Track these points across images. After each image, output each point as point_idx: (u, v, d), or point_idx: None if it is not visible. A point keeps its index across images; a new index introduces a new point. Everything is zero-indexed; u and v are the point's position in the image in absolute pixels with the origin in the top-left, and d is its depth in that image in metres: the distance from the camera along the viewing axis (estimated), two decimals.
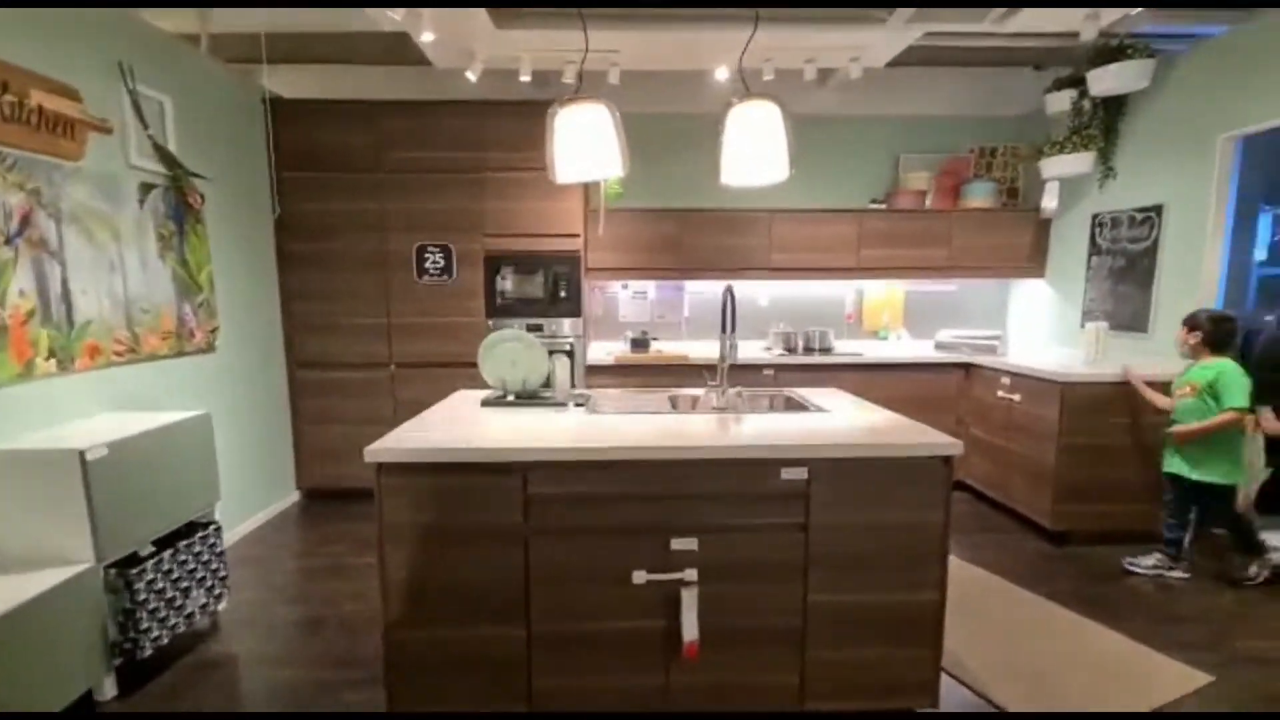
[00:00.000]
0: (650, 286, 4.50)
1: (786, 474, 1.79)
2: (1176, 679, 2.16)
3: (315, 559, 3.22)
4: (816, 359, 4.11)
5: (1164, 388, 3.00)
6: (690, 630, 1.80)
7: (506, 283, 3.93)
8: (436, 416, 2.15)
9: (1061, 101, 3.85)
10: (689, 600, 1.80)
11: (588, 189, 4.01)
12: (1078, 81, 3.69)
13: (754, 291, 4.59)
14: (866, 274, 4.35)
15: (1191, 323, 2.87)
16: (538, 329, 3.97)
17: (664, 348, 4.29)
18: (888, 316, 4.67)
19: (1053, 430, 3.27)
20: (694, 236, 4.21)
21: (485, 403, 2.35)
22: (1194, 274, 3.26)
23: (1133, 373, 3.11)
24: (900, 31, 3.16)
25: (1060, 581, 2.91)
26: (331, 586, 2.90)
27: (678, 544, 1.80)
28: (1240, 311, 3.39)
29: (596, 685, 1.86)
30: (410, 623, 1.80)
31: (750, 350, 4.31)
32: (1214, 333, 2.81)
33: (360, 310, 3.90)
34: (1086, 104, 3.74)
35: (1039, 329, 4.38)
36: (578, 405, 2.33)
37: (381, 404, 3.95)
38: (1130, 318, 3.59)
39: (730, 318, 2.33)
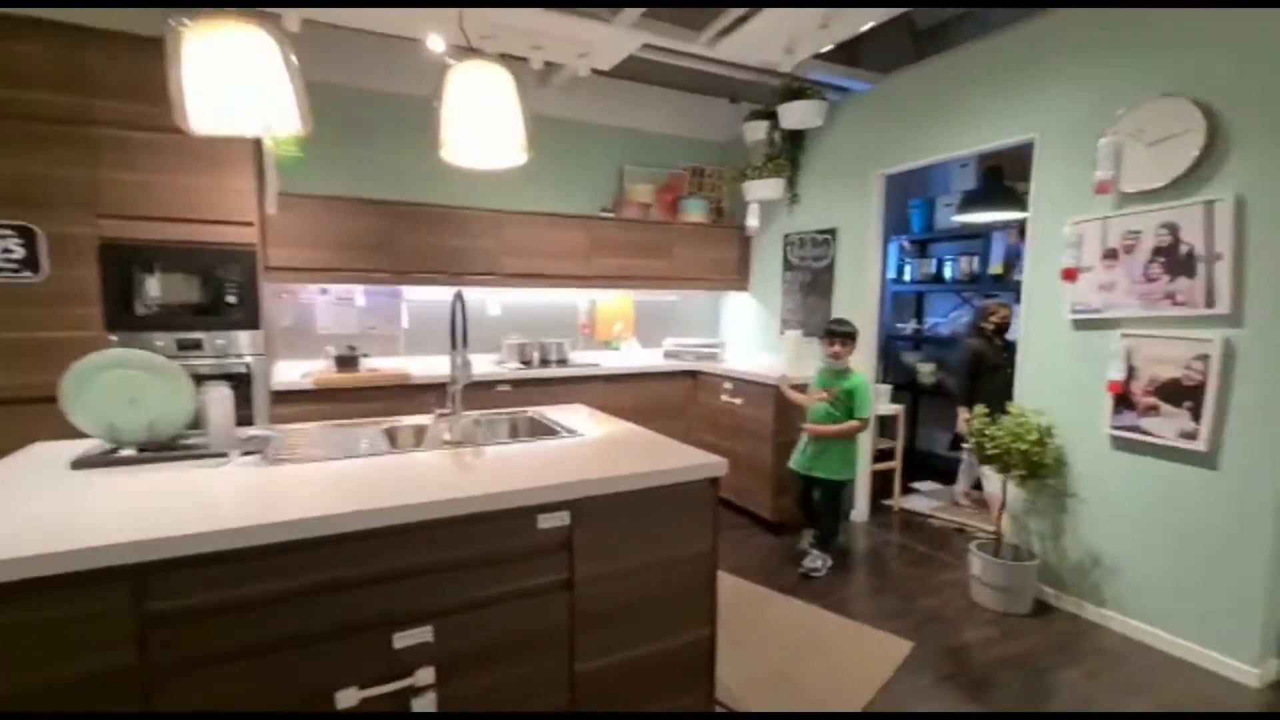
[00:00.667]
0: (358, 292, 3.75)
1: (545, 521, 1.45)
2: (891, 651, 2.40)
3: None
4: (554, 372, 3.87)
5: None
6: None
7: (148, 284, 2.85)
8: None
9: (757, 131, 4.26)
10: (426, 709, 1.33)
11: (261, 163, 3.13)
12: (770, 115, 4.13)
13: (484, 299, 4.16)
14: (599, 283, 4.27)
15: (843, 335, 3.19)
16: (194, 346, 2.96)
17: (379, 365, 3.59)
18: (620, 326, 4.68)
19: (769, 430, 3.55)
20: (411, 234, 3.61)
21: (79, 463, 1.52)
22: (860, 288, 3.86)
23: (783, 385, 3.44)
24: (625, 34, 3.09)
25: (788, 572, 3.12)
26: None
27: (404, 639, 1.32)
28: (881, 319, 4.14)
29: None
30: None
31: (482, 365, 3.88)
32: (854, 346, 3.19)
33: None
34: (777, 136, 4.21)
35: (748, 338, 4.83)
36: (247, 454, 1.65)
37: None
38: (819, 326, 4.11)
39: (462, 329, 1.91)
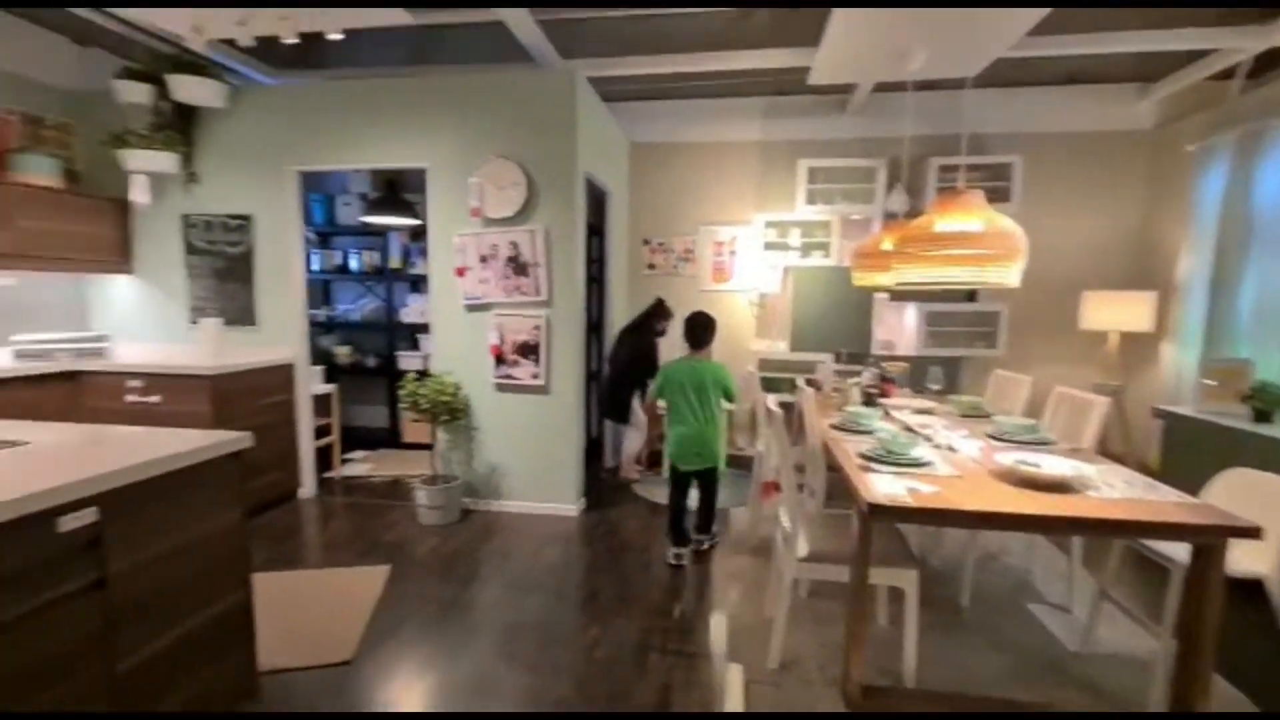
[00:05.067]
0: None
1: (68, 524, 1.35)
2: (376, 576, 2.92)
3: None
4: None
5: None
6: None
7: None
8: None
9: (134, 94, 3.74)
10: None
11: None
12: (153, 79, 3.71)
13: None
14: None
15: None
16: None
17: None
18: None
19: (208, 421, 3.37)
20: None
21: None
22: (285, 276, 4.02)
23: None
24: None
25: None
26: None
27: None
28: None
29: None
30: None
31: None
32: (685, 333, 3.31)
33: None
34: (165, 106, 3.81)
35: (143, 328, 4.16)
36: None
37: None
38: (240, 313, 4.03)
39: None
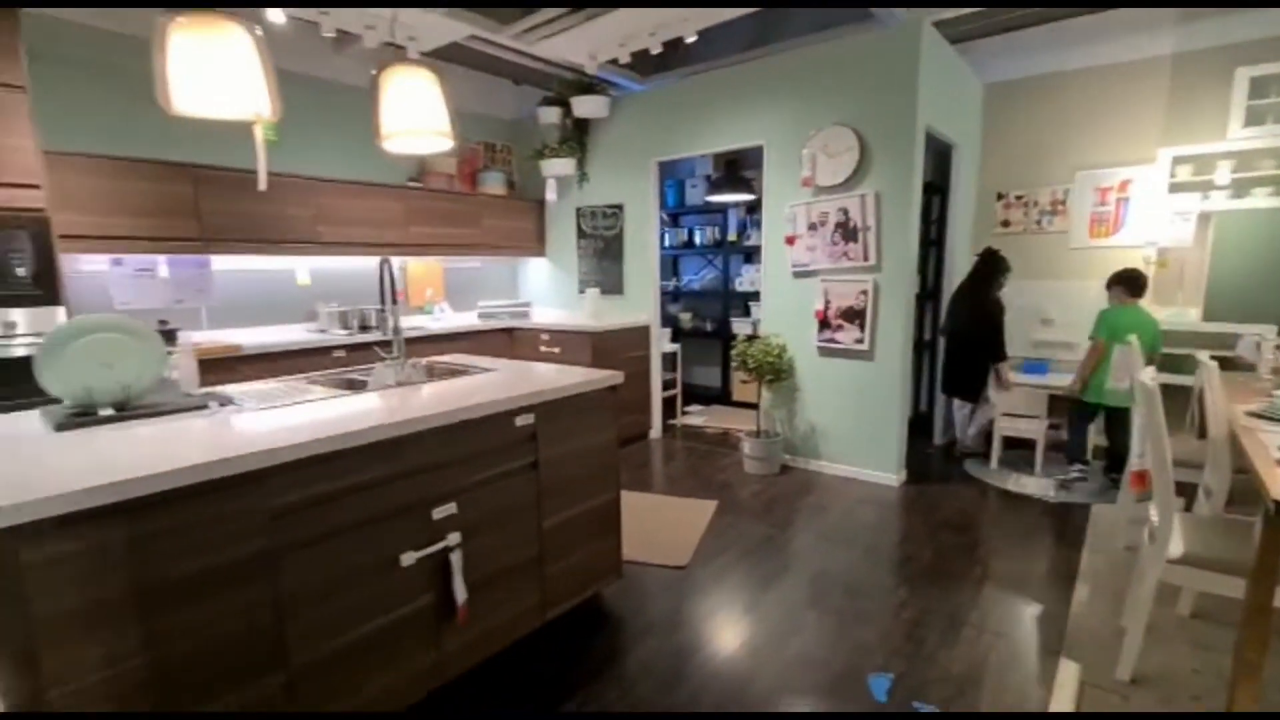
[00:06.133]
0: (161, 262, 3.44)
1: (519, 421, 2.02)
2: (706, 508, 3.43)
3: None
4: (382, 336, 4.06)
5: None
6: (461, 592, 1.84)
7: None
8: (22, 457, 1.38)
9: (550, 116, 4.88)
10: (457, 563, 1.83)
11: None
12: (562, 102, 4.78)
13: (293, 267, 4.10)
14: (414, 250, 4.51)
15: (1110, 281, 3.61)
16: None
17: (198, 339, 3.40)
18: (431, 291, 4.95)
19: (589, 367, 4.31)
20: (219, 200, 3.45)
21: (62, 426, 1.59)
22: (645, 254, 4.81)
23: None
24: (453, 23, 3.43)
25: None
26: None
27: (439, 513, 1.79)
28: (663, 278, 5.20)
29: (369, 694, 1.68)
30: None
31: (295, 334, 3.89)
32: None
33: None
34: (569, 122, 4.89)
35: (548, 297, 5.50)
36: (224, 405, 1.85)
37: None
38: (613, 284, 4.99)
39: (390, 291, 2.27)
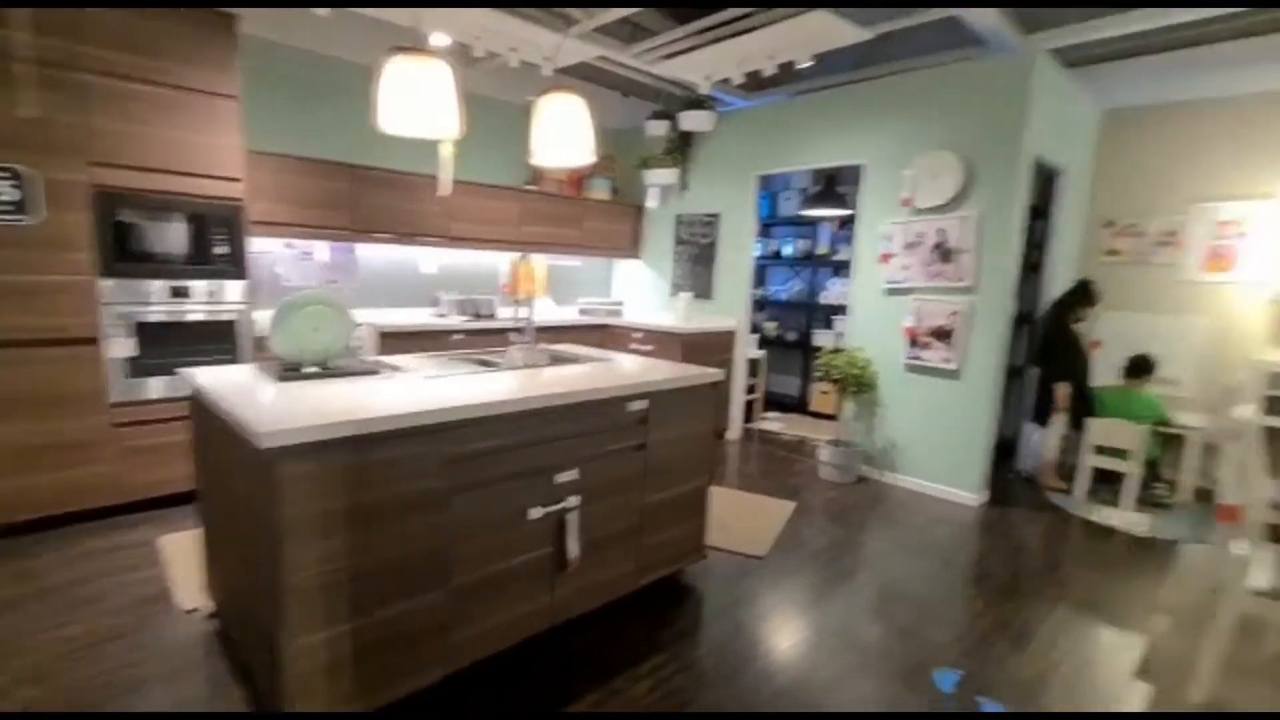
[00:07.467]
0: (319, 247, 3.98)
1: (632, 406, 2.29)
2: (784, 507, 3.61)
3: None
4: (491, 324, 4.48)
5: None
6: (574, 548, 2.13)
7: (139, 232, 2.96)
8: (267, 398, 1.78)
9: (658, 129, 5.17)
10: (573, 524, 2.13)
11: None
12: (669, 115, 5.06)
13: (417, 258, 4.59)
14: (525, 247, 4.91)
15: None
16: (183, 293, 3.13)
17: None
18: (536, 286, 5.35)
19: None
20: (369, 196, 3.95)
21: (285, 377, 2.00)
22: (737, 262, 5.02)
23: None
24: (588, 46, 3.77)
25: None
26: None
27: (561, 478, 2.09)
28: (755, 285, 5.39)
29: (498, 621, 2.00)
30: (314, 627, 1.57)
31: (420, 317, 4.34)
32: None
33: None
34: (674, 135, 5.17)
35: (640, 298, 5.80)
36: (396, 371, 2.22)
37: None
38: (703, 289, 5.23)
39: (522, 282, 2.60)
